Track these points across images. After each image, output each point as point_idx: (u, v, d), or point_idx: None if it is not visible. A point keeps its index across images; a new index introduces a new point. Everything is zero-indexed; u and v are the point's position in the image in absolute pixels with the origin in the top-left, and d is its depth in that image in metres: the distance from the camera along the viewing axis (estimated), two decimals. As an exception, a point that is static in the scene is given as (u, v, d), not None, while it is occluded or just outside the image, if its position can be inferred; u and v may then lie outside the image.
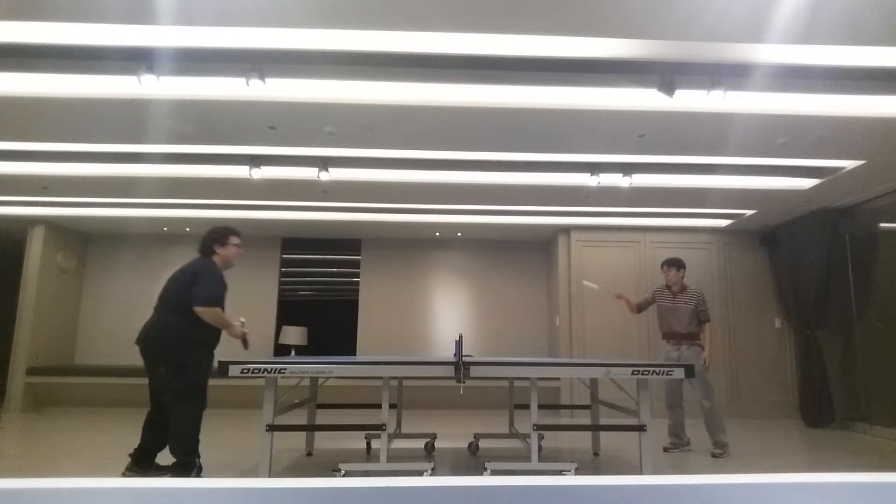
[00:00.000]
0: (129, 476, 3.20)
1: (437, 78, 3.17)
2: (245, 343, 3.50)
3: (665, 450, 4.41)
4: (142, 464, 3.33)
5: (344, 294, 7.52)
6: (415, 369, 3.40)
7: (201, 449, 3.31)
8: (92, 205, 5.84)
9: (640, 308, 4.71)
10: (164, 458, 3.42)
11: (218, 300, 3.32)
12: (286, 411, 3.72)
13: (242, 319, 3.49)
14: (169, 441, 3.25)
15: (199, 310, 3.24)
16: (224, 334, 3.42)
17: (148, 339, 3.30)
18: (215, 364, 3.23)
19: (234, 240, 3.56)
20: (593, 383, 4.46)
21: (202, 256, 3.50)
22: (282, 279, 7.41)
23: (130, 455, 3.35)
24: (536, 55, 2.87)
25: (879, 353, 5.26)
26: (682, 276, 4.55)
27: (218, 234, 3.54)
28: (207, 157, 4.48)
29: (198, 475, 3.22)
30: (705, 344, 4.38)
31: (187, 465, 3.21)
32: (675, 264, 4.56)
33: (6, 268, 7.65)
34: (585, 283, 4.94)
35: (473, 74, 3.12)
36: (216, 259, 3.49)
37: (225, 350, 3.42)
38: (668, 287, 4.57)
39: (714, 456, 4.15)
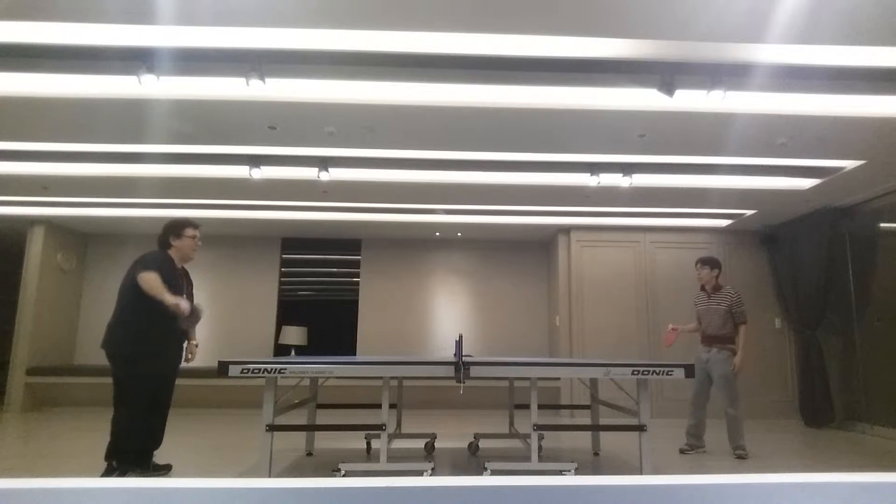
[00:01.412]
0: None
1: (437, 78, 3.17)
2: (194, 315, 3.21)
3: (681, 451, 4.32)
4: (140, 463, 3.30)
5: (344, 294, 7.52)
6: (415, 369, 3.40)
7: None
8: (92, 205, 5.85)
9: (700, 322, 4.51)
10: (163, 457, 3.42)
11: (154, 267, 3.17)
12: (286, 411, 3.72)
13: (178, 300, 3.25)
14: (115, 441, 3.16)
15: (138, 277, 3.13)
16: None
17: (105, 334, 3.25)
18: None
19: (189, 231, 3.45)
20: (593, 383, 4.45)
21: (158, 249, 3.42)
22: (282, 279, 7.41)
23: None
24: (536, 55, 2.87)
25: (879, 353, 5.26)
26: (717, 276, 4.41)
27: (174, 227, 3.44)
28: (207, 157, 4.48)
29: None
30: (738, 348, 4.22)
31: (110, 467, 3.12)
32: (709, 263, 4.43)
33: (6, 268, 7.66)
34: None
35: (473, 74, 3.12)
36: (172, 252, 3.41)
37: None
38: (703, 288, 4.46)
39: (740, 457, 4.11)
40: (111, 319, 3.27)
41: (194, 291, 3.62)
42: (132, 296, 3.20)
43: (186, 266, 3.58)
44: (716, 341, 4.29)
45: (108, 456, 3.17)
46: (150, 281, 3.12)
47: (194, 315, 3.25)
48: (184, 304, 3.19)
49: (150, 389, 3.22)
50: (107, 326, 3.28)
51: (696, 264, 4.53)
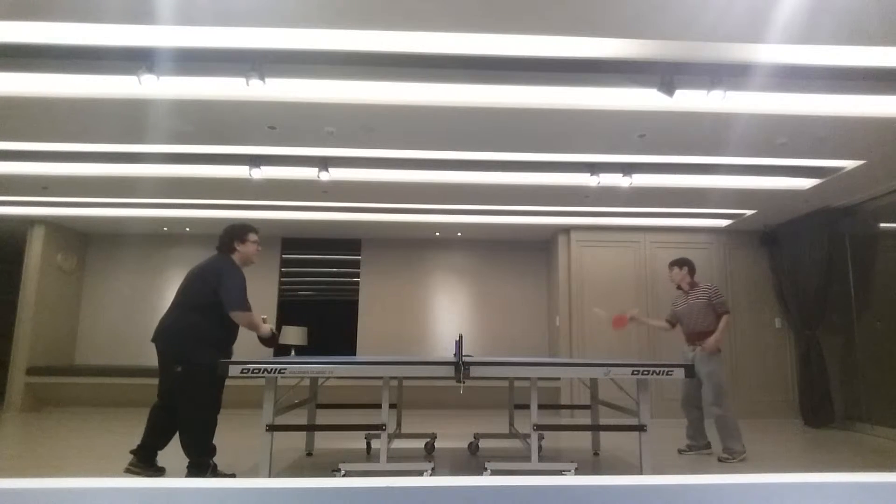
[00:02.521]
0: (130, 473, 3.19)
1: (437, 78, 3.17)
2: (275, 339, 3.48)
3: (679, 452, 4.31)
4: (144, 461, 3.29)
5: (344, 294, 7.52)
6: (415, 369, 3.40)
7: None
8: (92, 205, 5.85)
9: (671, 322, 4.55)
10: (164, 458, 3.42)
11: (248, 303, 3.33)
12: (286, 411, 3.72)
13: (264, 317, 3.51)
14: (182, 441, 3.21)
15: (235, 314, 3.25)
16: (241, 333, 3.43)
17: (165, 337, 3.25)
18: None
19: (253, 237, 3.53)
20: (593, 383, 4.45)
21: (222, 254, 3.44)
22: (282, 279, 7.41)
23: (133, 452, 3.30)
24: (536, 55, 2.87)
25: (879, 353, 5.26)
26: (689, 274, 4.43)
27: (238, 232, 3.48)
28: (207, 157, 4.48)
29: (213, 475, 3.19)
30: (717, 332, 4.17)
31: (200, 465, 3.17)
32: (678, 263, 4.49)
33: (6, 268, 7.66)
34: (595, 310, 4.85)
35: (473, 74, 3.12)
36: (236, 257, 3.45)
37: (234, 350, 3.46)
38: (680, 288, 4.48)
39: (720, 460, 4.05)
40: (180, 324, 3.25)
41: None
42: (207, 306, 3.26)
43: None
44: (699, 338, 4.26)
45: (191, 453, 3.20)
46: (249, 319, 3.32)
47: (274, 339, 3.51)
48: (273, 332, 3.48)
49: (221, 391, 3.35)
50: (173, 331, 3.25)
51: (668, 267, 4.57)
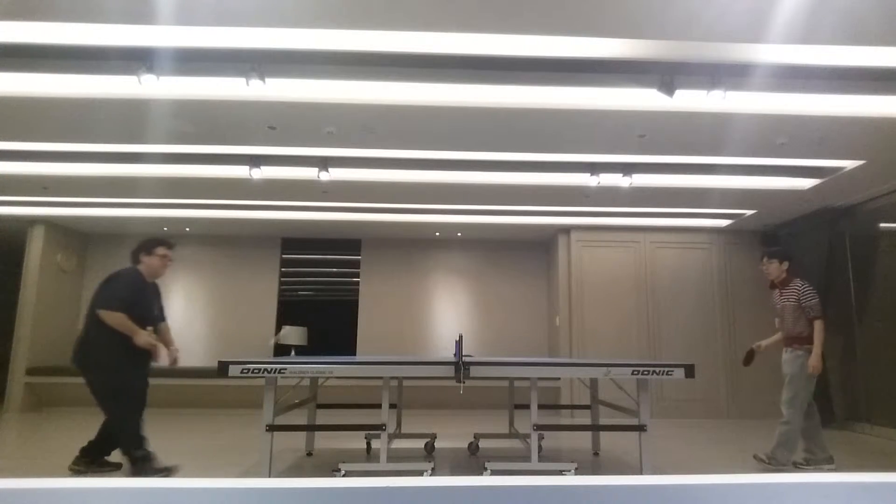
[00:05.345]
0: (74, 469, 3.30)
1: (437, 78, 3.17)
2: (166, 358, 3.43)
3: (795, 465, 3.78)
4: (90, 457, 3.38)
5: (344, 294, 7.52)
6: (415, 369, 3.40)
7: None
8: (92, 205, 5.85)
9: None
10: (164, 457, 3.43)
11: (119, 304, 3.27)
12: (286, 411, 3.72)
13: (148, 330, 3.42)
14: (118, 444, 3.30)
15: (100, 313, 3.25)
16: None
17: (75, 349, 3.34)
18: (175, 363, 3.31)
19: (160, 250, 3.52)
20: (593, 383, 4.45)
21: (130, 265, 3.51)
22: (282, 279, 7.41)
23: (82, 448, 3.39)
24: (536, 55, 2.87)
25: (879, 353, 5.26)
26: (787, 269, 3.86)
27: (145, 244, 3.53)
28: (207, 157, 4.48)
29: (150, 463, 3.24)
30: (815, 347, 3.65)
31: (136, 459, 3.22)
32: (778, 255, 3.87)
33: (6, 268, 7.66)
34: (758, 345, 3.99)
35: (473, 74, 3.12)
36: (142, 268, 3.48)
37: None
38: (773, 284, 3.93)
39: (760, 461, 3.75)
40: (81, 334, 3.35)
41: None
42: (97, 315, 3.30)
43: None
44: (791, 342, 3.78)
45: (127, 450, 3.24)
46: (114, 319, 3.25)
47: (153, 354, 3.39)
48: (153, 344, 3.36)
49: (133, 390, 3.36)
50: (77, 342, 3.34)
51: (762, 258, 3.97)
